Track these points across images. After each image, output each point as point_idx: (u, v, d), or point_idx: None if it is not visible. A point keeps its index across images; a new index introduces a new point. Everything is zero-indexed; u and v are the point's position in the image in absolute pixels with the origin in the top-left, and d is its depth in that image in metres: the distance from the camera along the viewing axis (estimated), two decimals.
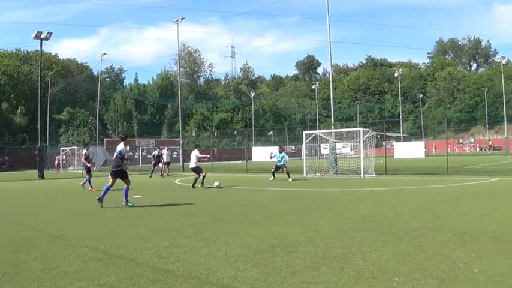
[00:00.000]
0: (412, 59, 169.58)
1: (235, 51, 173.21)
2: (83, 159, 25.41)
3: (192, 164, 23.84)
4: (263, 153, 72.83)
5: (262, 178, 31.27)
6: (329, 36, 37.24)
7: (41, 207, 16.99)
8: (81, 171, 49.43)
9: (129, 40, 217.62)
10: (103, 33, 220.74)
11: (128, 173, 16.24)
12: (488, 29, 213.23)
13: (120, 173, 15.84)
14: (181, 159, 51.87)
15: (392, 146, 76.67)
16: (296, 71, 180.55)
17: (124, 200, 15.68)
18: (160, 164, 38.21)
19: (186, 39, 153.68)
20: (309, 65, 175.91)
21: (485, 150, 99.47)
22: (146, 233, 10.26)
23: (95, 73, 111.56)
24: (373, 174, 30.51)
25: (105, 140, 74.01)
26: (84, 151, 25.82)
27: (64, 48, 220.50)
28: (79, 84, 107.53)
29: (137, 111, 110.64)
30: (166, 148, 39.69)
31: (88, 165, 24.98)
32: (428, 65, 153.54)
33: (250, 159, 70.40)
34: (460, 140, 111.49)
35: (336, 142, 37.69)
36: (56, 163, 56.76)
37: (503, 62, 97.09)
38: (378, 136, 47.61)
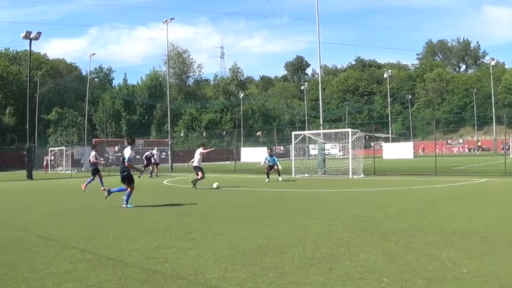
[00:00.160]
0: (401, 60, 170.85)
1: (224, 52, 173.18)
2: (93, 160, 25.38)
3: (195, 162, 24.01)
4: (252, 154, 73.03)
5: (250, 179, 31.29)
6: (318, 37, 37.39)
7: (29, 207, 16.89)
8: (69, 171, 49.53)
9: (118, 40, 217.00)
10: (92, 33, 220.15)
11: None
12: (477, 30, 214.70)
13: (127, 178, 15.77)
14: (169, 159, 51.83)
15: (381, 146, 76.71)
16: (285, 72, 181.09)
17: (124, 202, 15.66)
18: (149, 166, 38.18)
19: (175, 39, 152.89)
20: (298, 66, 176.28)
21: (473, 151, 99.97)
22: (134, 234, 10.22)
23: (83, 73, 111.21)
24: (362, 175, 30.56)
25: (93, 140, 73.86)
26: (93, 152, 25.96)
27: (53, 48, 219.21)
28: (68, 84, 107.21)
29: (126, 111, 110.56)
30: (155, 149, 39.69)
31: (101, 162, 25.60)
32: (417, 66, 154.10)
33: (239, 159, 70.37)
34: (449, 141, 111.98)
35: (324, 143, 37.82)
36: (44, 163, 56.59)
37: (492, 63, 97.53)
38: (367, 137, 47.69)
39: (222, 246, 8.67)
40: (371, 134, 63.01)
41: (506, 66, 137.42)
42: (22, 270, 7.25)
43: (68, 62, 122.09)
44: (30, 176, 38.93)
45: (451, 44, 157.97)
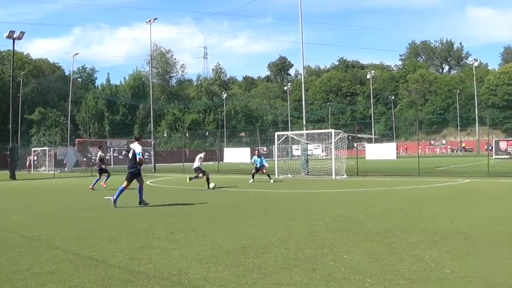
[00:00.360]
0: (384, 61, 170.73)
1: (207, 52, 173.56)
2: (98, 160, 25.99)
3: (195, 165, 24.13)
4: (235, 155, 73.06)
5: (234, 179, 31.26)
6: (301, 38, 37.25)
7: (12, 208, 16.75)
8: (52, 171, 49.24)
9: (101, 40, 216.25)
10: (75, 33, 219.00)
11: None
12: (460, 31, 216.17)
13: (136, 174, 15.84)
14: (152, 160, 51.70)
15: (364, 147, 76.97)
16: (268, 72, 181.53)
17: (140, 201, 15.98)
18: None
19: (159, 39, 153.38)
20: (281, 67, 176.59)
21: (456, 151, 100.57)
22: (118, 234, 10.19)
23: (66, 73, 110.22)
24: (345, 176, 30.67)
25: (76, 140, 73.58)
26: (100, 153, 26.49)
27: (36, 48, 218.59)
28: (51, 84, 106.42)
29: (109, 111, 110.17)
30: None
31: (103, 166, 25.65)
32: (401, 67, 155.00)
33: (222, 160, 70.30)
34: (432, 142, 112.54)
35: (307, 143, 37.92)
36: (27, 164, 56.32)
37: (475, 64, 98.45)
38: (350, 137, 47.80)
39: (206, 247, 8.66)
40: (354, 135, 63.08)
41: (489, 67, 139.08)
42: (6, 270, 7.23)
43: (51, 61, 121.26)
44: (13, 176, 38.68)
45: (434, 45, 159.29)
